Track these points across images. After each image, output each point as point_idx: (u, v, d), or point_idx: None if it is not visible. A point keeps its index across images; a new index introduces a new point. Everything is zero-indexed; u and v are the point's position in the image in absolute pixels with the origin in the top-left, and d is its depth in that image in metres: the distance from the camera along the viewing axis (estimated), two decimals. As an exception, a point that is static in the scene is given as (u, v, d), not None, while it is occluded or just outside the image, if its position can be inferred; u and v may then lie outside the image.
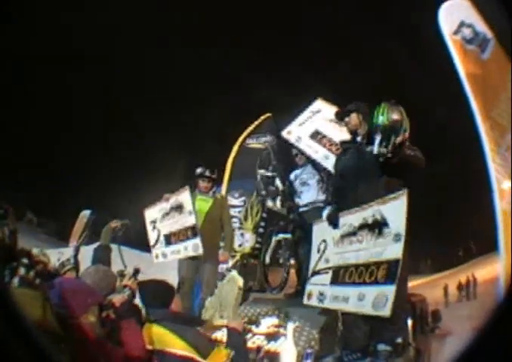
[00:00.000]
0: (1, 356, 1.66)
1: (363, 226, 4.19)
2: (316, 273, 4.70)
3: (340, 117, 4.97)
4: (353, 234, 4.27)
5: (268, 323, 4.72)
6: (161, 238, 6.73)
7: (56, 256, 8.41)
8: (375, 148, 4.23)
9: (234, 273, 5.42)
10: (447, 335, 11.56)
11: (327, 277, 4.47)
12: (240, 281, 5.18)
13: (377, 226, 4.03)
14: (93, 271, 4.06)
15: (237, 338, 3.36)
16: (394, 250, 3.79)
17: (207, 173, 6.69)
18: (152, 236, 6.91)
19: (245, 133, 10.09)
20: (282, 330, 4.18)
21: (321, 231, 4.88)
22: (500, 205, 3.90)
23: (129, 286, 3.70)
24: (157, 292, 3.59)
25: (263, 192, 7.83)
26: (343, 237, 4.44)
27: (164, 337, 3.13)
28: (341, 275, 4.25)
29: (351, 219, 4.37)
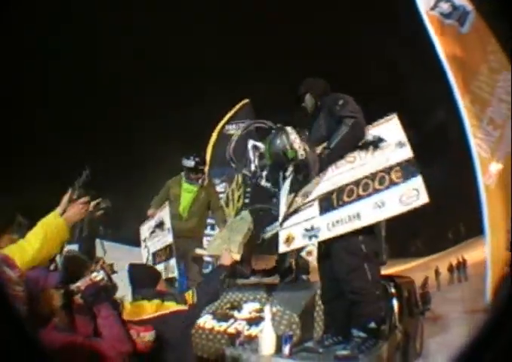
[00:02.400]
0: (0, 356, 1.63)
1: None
2: (289, 215, 4.42)
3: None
4: (341, 158, 4.16)
5: (250, 308, 4.67)
6: (150, 257, 6.59)
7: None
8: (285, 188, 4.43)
9: (247, 212, 5.31)
10: (439, 319, 11.64)
11: (311, 211, 4.25)
12: (251, 223, 5.10)
13: (371, 144, 4.02)
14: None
15: (217, 272, 3.67)
16: (401, 153, 3.82)
17: (198, 167, 6.52)
18: (144, 254, 6.78)
19: (223, 120, 10.03)
20: (263, 315, 4.07)
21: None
22: (482, 180, 3.83)
23: (101, 269, 3.68)
24: (145, 274, 3.77)
25: (254, 164, 7.57)
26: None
27: (147, 305, 3.40)
28: (335, 199, 4.09)
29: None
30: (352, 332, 3.79)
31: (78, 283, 3.29)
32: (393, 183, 3.76)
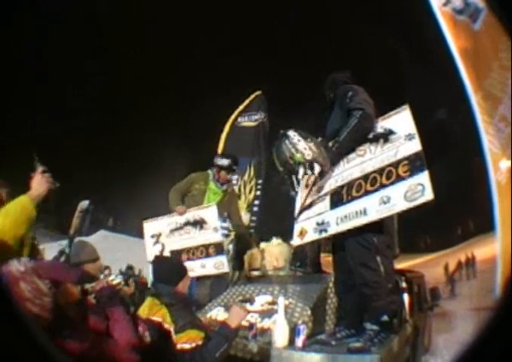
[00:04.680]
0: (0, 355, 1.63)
1: (363, 141, 4.15)
2: (304, 209, 4.48)
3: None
4: (353, 150, 4.18)
5: (262, 301, 4.69)
6: (165, 254, 6.31)
7: (57, 249, 8.39)
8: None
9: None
10: (447, 315, 11.63)
11: (323, 205, 4.30)
12: None
13: (381, 137, 4.02)
14: (75, 242, 4.50)
15: (224, 334, 3.34)
16: (410, 147, 3.79)
17: (232, 166, 6.59)
18: (152, 250, 6.38)
19: (236, 112, 10.08)
20: (275, 307, 4.11)
21: None
22: (494, 177, 3.85)
23: (120, 274, 3.78)
24: (168, 270, 3.74)
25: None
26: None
27: (155, 307, 3.44)
28: (345, 193, 4.11)
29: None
30: (365, 325, 3.81)
31: (94, 284, 3.40)
32: (399, 178, 3.75)
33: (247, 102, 10.14)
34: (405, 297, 4.95)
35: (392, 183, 3.79)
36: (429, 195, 3.56)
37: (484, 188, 3.87)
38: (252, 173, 9.22)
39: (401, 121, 3.96)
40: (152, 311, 3.42)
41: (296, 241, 4.53)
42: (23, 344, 1.71)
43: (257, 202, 9.08)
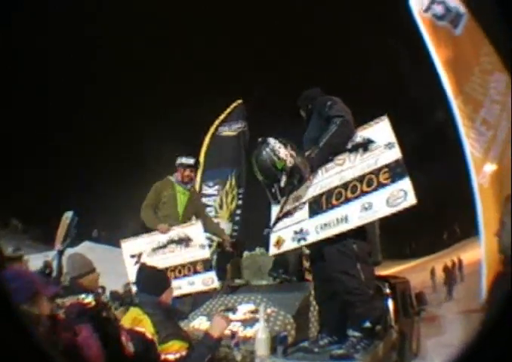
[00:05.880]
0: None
1: (342, 151, 4.14)
2: (280, 218, 4.42)
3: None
4: (331, 160, 4.16)
5: (244, 310, 4.66)
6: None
7: (42, 260, 8.35)
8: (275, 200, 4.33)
9: None
10: (435, 320, 11.66)
11: (301, 214, 4.26)
12: None
13: (361, 146, 4.03)
14: (74, 253, 4.19)
15: (207, 345, 3.30)
16: (390, 155, 3.80)
17: (191, 162, 6.51)
18: (132, 272, 5.72)
19: (216, 122, 10.05)
20: (258, 316, 4.06)
21: None
22: (476, 180, 3.86)
23: (91, 293, 3.76)
24: (152, 280, 3.66)
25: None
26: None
27: (138, 317, 3.36)
28: (324, 201, 4.09)
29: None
30: (347, 332, 3.78)
31: (65, 299, 3.36)
32: (380, 185, 3.76)
33: (227, 111, 10.11)
34: (390, 303, 4.94)
35: (373, 190, 3.80)
36: (411, 200, 3.57)
37: (469, 192, 3.89)
38: (234, 182, 9.19)
39: (380, 131, 3.98)
40: (135, 321, 3.35)
41: (273, 251, 4.45)
42: (21, 343, 1.74)
43: (238, 211, 9.05)
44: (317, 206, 4.14)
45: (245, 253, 5.79)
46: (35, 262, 7.85)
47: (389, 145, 3.83)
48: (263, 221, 4.61)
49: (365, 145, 3.98)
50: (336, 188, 4.04)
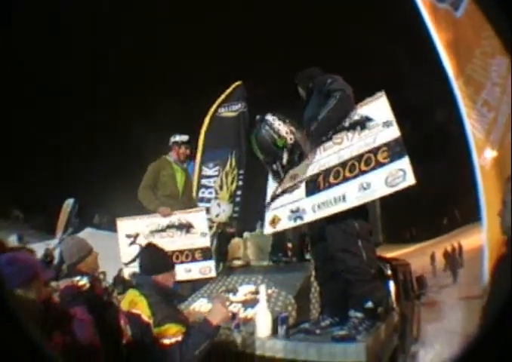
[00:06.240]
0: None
1: (340, 129, 4.09)
2: (276, 197, 4.44)
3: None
4: (329, 139, 4.13)
5: (245, 291, 4.65)
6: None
7: (44, 248, 8.37)
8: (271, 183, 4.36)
9: None
10: (435, 305, 11.70)
11: (298, 193, 4.26)
12: None
13: (359, 124, 3.97)
14: (68, 239, 4.17)
15: (206, 332, 3.25)
16: (389, 133, 3.74)
17: (185, 139, 6.59)
18: (126, 251, 5.98)
19: (216, 103, 10.07)
20: (258, 297, 4.04)
21: None
22: (478, 161, 3.85)
23: (86, 275, 3.75)
24: (151, 259, 3.65)
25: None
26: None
27: (135, 299, 3.33)
28: (322, 180, 4.07)
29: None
30: (349, 313, 3.76)
31: (60, 282, 3.35)
32: (379, 164, 3.72)
33: (227, 92, 10.15)
34: (391, 285, 4.93)
35: (371, 169, 3.75)
36: (410, 180, 3.53)
37: (470, 177, 3.87)
38: (234, 163, 9.25)
39: (378, 108, 3.92)
40: (132, 303, 3.33)
41: (268, 229, 4.47)
42: (20, 343, 1.70)
43: (239, 192, 9.10)
44: (314, 185, 4.13)
45: (245, 234, 5.76)
46: (38, 251, 7.87)
47: (387, 123, 3.78)
48: (264, 201, 4.61)
49: (363, 123, 3.93)
50: (334, 167, 4.02)
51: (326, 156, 4.12)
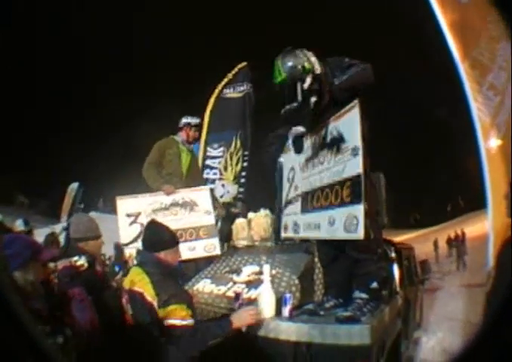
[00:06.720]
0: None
1: (324, 146, 4.03)
2: (288, 203, 4.58)
3: None
4: (316, 155, 4.11)
5: (249, 271, 4.64)
6: None
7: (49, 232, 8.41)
8: (287, 107, 3.93)
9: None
10: (437, 291, 11.73)
11: (298, 205, 4.38)
12: None
13: (336, 143, 3.85)
14: (81, 215, 4.47)
15: (224, 330, 3.24)
16: (354, 166, 3.58)
17: (198, 121, 6.64)
18: (126, 231, 5.81)
19: (221, 84, 10.05)
20: (262, 277, 4.03)
21: (289, 159, 4.76)
22: (484, 144, 3.85)
23: (84, 255, 3.74)
24: (153, 236, 3.59)
25: None
26: (307, 161, 4.31)
27: (137, 277, 3.30)
28: (309, 201, 4.15)
29: (313, 141, 4.22)
30: (353, 294, 3.76)
31: (58, 263, 3.35)
32: (343, 203, 3.64)
33: (232, 73, 10.11)
34: (395, 268, 4.93)
35: (338, 205, 3.71)
36: (359, 234, 3.40)
37: (474, 165, 3.87)
38: (239, 144, 9.22)
39: (350, 123, 3.68)
40: (135, 280, 3.30)
41: (282, 234, 4.73)
42: (19, 343, 1.72)
43: (244, 173, 9.10)
44: (305, 203, 4.26)
45: (250, 214, 5.76)
46: (43, 235, 7.93)
47: (354, 151, 3.57)
48: (270, 183, 4.67)
49: (338, 145, 3.80)
50: (317, 189, 4.07)
51: (314, 174, 4.16)
